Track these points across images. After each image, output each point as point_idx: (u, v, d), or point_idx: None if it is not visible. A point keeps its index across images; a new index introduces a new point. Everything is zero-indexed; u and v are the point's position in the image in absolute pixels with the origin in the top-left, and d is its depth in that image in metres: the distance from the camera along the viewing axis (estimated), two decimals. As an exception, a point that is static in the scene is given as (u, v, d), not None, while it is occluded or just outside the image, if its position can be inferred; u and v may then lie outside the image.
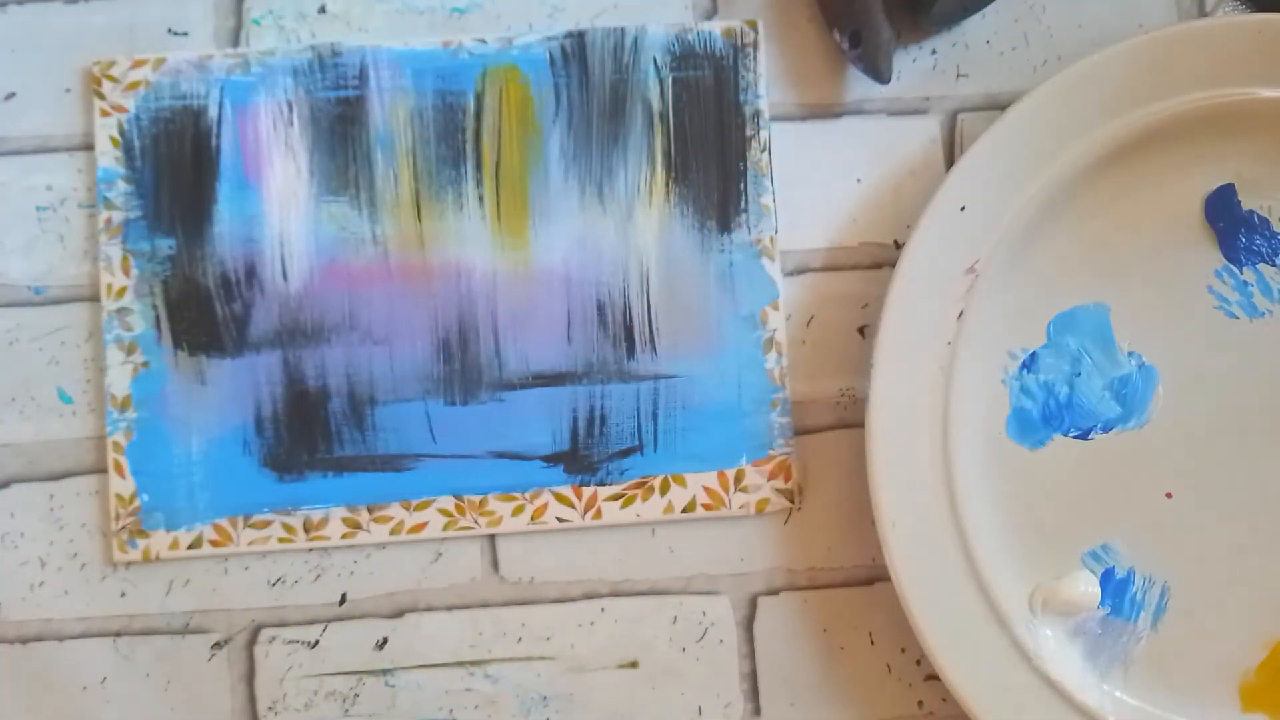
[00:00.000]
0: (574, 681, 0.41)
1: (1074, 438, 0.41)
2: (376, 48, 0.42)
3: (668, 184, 0.42)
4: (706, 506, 0.41)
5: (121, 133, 0.41)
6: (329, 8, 0.43)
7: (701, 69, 0.42)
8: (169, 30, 0.42)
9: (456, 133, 0.42)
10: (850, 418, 0.42)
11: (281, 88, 0.42)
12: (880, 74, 0.41)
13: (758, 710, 0.41)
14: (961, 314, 0.40)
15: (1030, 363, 0.41)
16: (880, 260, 0.42)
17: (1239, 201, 0.41)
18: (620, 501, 0.41)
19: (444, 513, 0.41)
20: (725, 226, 0.42)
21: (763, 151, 0.42)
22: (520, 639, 0.41)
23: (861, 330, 0.42)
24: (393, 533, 0.41)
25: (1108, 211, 0.41)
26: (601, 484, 0.41)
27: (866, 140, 0.43)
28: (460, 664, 0.41)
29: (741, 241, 0.42)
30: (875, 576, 0.42)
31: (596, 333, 0.41)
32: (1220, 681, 0.40)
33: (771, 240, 0.42)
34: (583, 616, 0.41)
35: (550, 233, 0.42)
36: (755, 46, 0.42)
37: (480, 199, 0.42)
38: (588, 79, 0.42)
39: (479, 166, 0.42)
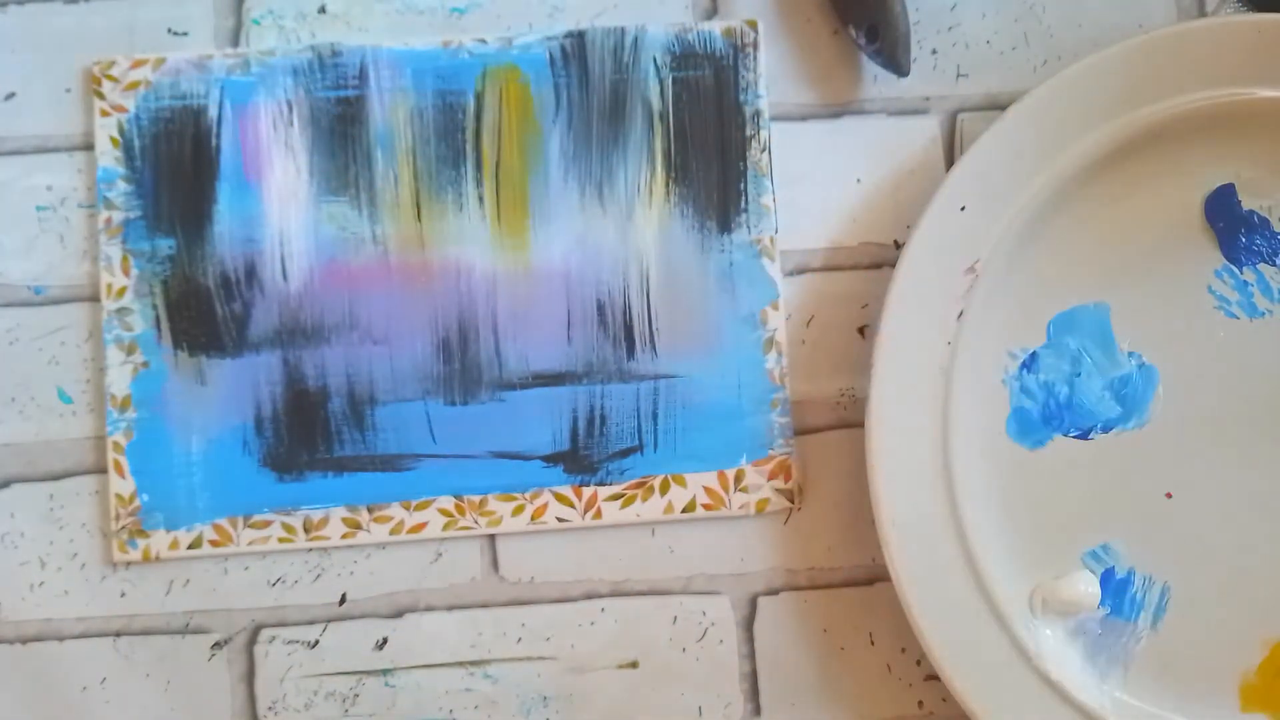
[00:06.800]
0: (574, 681, 0.41)
1: (1074, 438, 0.41)
2: (376, 48, 0.42)
3: (668, 184, 0.42)
4: (706, 506, 0.41)
5: (121, 133, 0.41)
6: (329, 8, 0.43)
7: (701, 69, 0.42)
8: (169, 30, 0.42)
9: (456, 133, 0.42)
10: (850, 418, 0.42)
11: (281, 88, 0.42)
12: (900, 67, 0.41)
13: (758, 710, 0.41)
14: (961, 314, 0.40)
15: (1030, 363, 0.41)
16: (880, 260, 0.42)
17: (1239, 201, 0.41)
18: (620, 501, 0.41)
19: (444, 513, 0.41)
20: (725, 226, 0.42)
21: (763, 151, 0.42)
22: (520, 639, 0.41)
23: (861, 330, 0.42)
24: (393, 533, 0.41)
25: (1108, 211, 0.41)
26: (601, 484, 0.41)
27: (866, 140, 0.43)
28: (460, 664, 0.41)
29: (741, 241, 0.42)
30: (875, 576, 0.42)
31: (596, 333, 0.41)
32: (1220, 681, 0.40)
33: (771, 240, 0.42)
34: (583, 616, 0.41)
35: (550, 233, 0.42)
36: (755, 46, 0.42)
37: (480, 199, 0.42)
38: (588, 79, 0.42)
39: (479, 166, 0.42)
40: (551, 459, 0.41)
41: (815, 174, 0.43)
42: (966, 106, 0.43)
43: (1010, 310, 0.41)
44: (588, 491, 0.41)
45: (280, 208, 0.41)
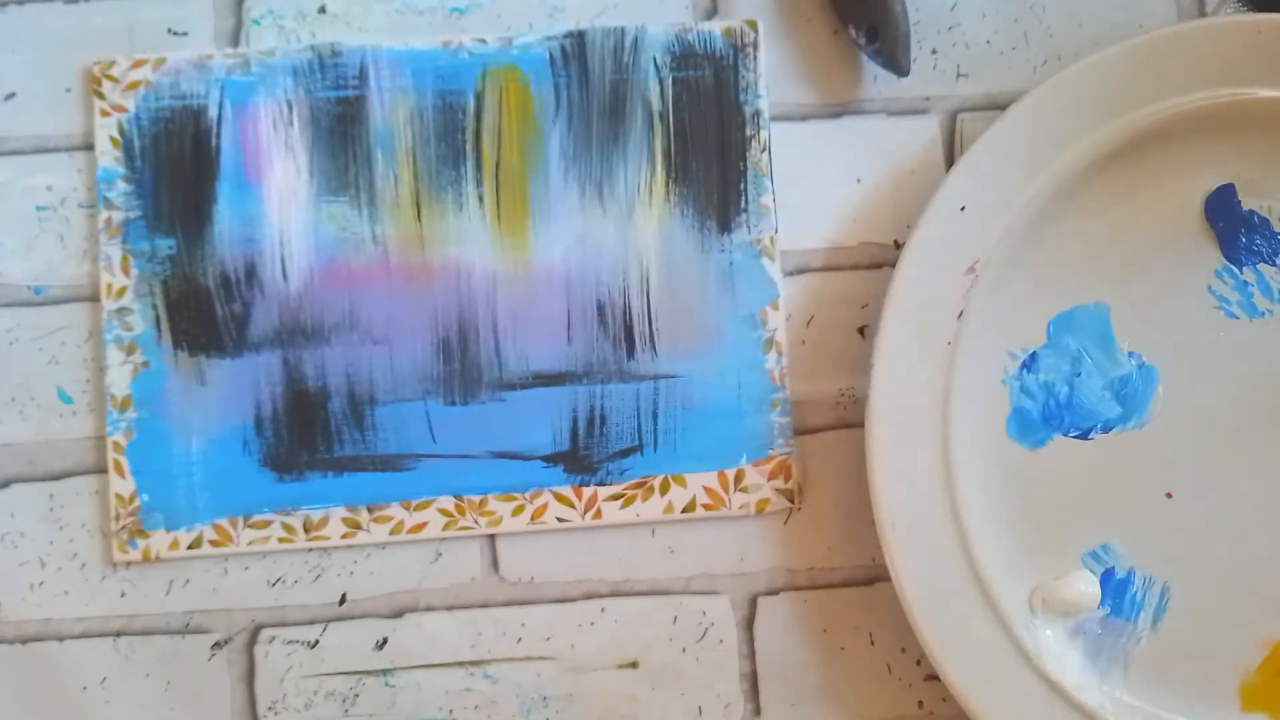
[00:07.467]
0: (574, 681, 0.41)
1: (1074, 438, 0.41)
2: (376, 48, 0.42)
3: (668, 184, 0.42)
4: (706, 506, 0.41)
5: (121, 133, 0.41)
6: (329, 8, 0.43)
7: (701, 69, 0.42)
8: (169, 30, 0.42)
9: (456, 133, 0.42)
10: (850, 418, 0.42)
11: (281, 88, 0.42)
12: (900, 67, 0.41)
13: (758, 710, 0.41)
14: (961, 314, 0.40)
15: (1030, 363, 0.41)
16: (880, 260, 0.42)
17: (1239, 201, 0.41)
18: (620, 501, 0.41)
19: (444, 513, 0.41)
20: (725, 226, 0.42)
21: (763, 151, 0.42)
22: (520, 639, 0.41)
23: (861, 330, 0.42)
24: (393, 533, 0.41)
25: (1108, 211, 0.41)
26: (601, 484, 0.41)
27: (866, 140, 0.43)
28: (460, 664, 0.41)
29: (741, 241, 0.42)
30: (875, 576, 0.42)
31: (596, 333, 0.41)
32: (1220, 681, 0.40)
33: (771, 240, 0.42)
34: (583, 616, 0.41)
35: (550, 233, 0.42)
36: (755, 46, 0.42)
37: (480, 199, 0.42)
38: (588, 79, 0.42)
39: (479, 166, 0.42)
40: (551, 459, 0.41)
41: (815, 174, 0.43)
42: (966, 106, 0.43)
43: (1010, 310, 0.41)
44: (588, 491, 0.41)
45: (280, 208, 0.41)
